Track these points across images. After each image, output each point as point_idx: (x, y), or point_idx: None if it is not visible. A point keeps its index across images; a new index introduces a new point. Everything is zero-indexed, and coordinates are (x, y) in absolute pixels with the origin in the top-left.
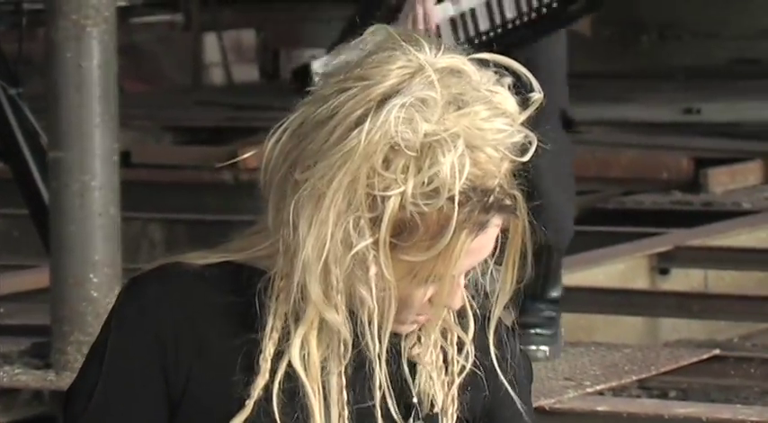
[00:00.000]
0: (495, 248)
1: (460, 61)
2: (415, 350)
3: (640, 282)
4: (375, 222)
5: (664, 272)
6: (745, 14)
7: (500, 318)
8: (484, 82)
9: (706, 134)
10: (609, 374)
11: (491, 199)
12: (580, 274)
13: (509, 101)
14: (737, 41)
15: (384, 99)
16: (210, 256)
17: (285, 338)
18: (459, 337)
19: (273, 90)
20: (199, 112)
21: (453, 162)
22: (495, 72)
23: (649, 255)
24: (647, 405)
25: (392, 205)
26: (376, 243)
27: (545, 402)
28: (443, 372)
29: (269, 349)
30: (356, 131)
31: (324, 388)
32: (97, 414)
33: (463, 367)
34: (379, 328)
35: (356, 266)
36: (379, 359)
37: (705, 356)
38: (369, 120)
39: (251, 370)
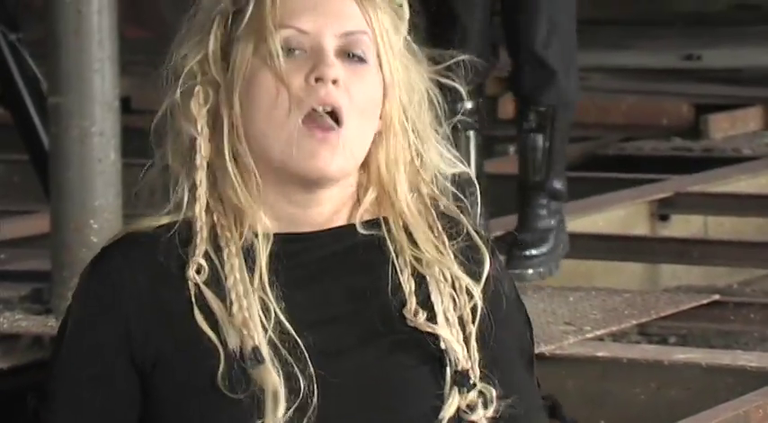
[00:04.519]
0: None
1: None
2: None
3: (640, 228)
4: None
5: (664, 218)
6: None
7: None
8: None
9: (706, 80)
10: (609, 319)
11: None
12: (580, 220)
13: None
14: None
15: None
16: (162, 219)
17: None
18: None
19: None
20: None
21: None
22: None
23: (649, 201)
24: (647, 351)
25: None
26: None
27: (545, 349)
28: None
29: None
30: None
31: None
32: (65, 395)
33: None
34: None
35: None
36: None
37: (705, 302)
38: None
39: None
